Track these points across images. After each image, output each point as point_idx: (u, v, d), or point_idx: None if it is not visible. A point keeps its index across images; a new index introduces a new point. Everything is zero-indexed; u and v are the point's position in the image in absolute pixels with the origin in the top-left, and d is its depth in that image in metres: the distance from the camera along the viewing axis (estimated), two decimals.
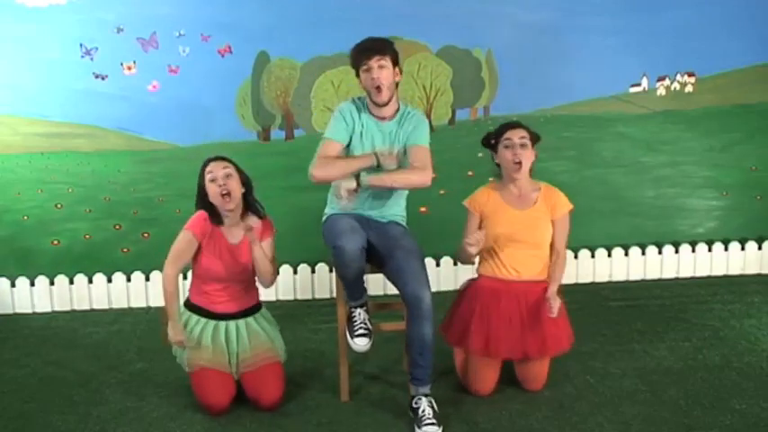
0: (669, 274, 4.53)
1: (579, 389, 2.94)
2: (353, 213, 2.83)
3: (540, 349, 2.79)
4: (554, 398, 2.86)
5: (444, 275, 4.35)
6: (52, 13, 4.07)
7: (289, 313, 3.90)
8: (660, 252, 4.53)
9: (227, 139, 4.18)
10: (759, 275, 4.53)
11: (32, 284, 4.22)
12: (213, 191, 2.69)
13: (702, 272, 4.54)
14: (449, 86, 4.38)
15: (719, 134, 4.58)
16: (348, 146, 2.78)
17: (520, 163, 2.78)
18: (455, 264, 4.39)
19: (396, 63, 2.75)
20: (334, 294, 3.14)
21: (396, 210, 2.92)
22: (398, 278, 2.66)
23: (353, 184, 2.65)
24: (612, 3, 4.32)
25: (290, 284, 4.33)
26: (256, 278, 2.85)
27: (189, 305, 2.84)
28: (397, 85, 2.79)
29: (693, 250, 4.54)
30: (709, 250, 4.55)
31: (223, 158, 2.76)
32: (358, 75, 2.76)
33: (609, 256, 4.51)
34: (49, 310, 4.23)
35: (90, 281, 4.26)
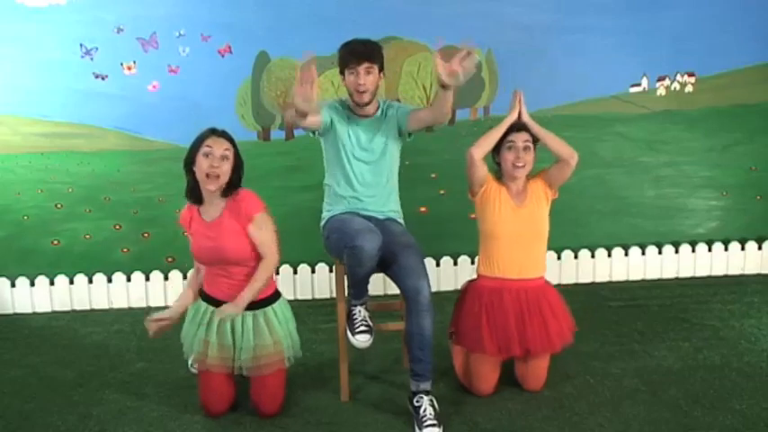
0: (669, 274, 4.53)
1: (579, 389, 2.94)
2: (355, 212, 2.84)
3: (544, 345, 2.80)
4: (554, 398, 2.86)
5: (444, 275, 4.35)
6: (52, 13, 4.07)
7: None
8: (660, 252, 4.53)
9: None
10: (759, 275, 4.53)
11: (32, 284, 4.23)
12: (202, 166, 2.57)
13: (702, 272, 4.54)
14: None
15: (719, 134, 4.58)
16: (326, 135, 2.83)
17: (523, 166, 2.80)
18: (455, 264, 4.39)
19: (382, 68, 2.82)
20: (335, 294, 3.14)
21: (392, 206, 2.95)
22: (398, 273, 2.67)
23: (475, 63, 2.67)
24: (612, 3, 4.32)
25: (290, 284, 4.33)
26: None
27: (202, 295, 2.76)
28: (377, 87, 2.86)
29: (693, 250, 4.54)
30: (709, 250, 4.55)
31: (226, 136, 2.64)
32: (342, 73, 2.81)
33: (609, 256, 4.51)
34: (49, 310, 4.23)
35: (90, 281, 4.26)
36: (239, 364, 2.68)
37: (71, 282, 4.25)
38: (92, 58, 4.14)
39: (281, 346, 2.71)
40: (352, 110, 2.87)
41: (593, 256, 4.51)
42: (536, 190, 2.86)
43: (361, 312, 2.82)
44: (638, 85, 4.46)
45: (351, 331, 2.81)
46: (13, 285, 4.22)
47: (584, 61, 4.37)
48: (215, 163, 2.57)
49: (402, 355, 3.11)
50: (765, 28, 4.42)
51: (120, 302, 4.28)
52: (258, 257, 2.67)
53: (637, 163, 4.56)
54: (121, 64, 4.16)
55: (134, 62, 4.17)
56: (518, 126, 2.83)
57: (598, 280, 4.51)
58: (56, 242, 4.27)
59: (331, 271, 4.27)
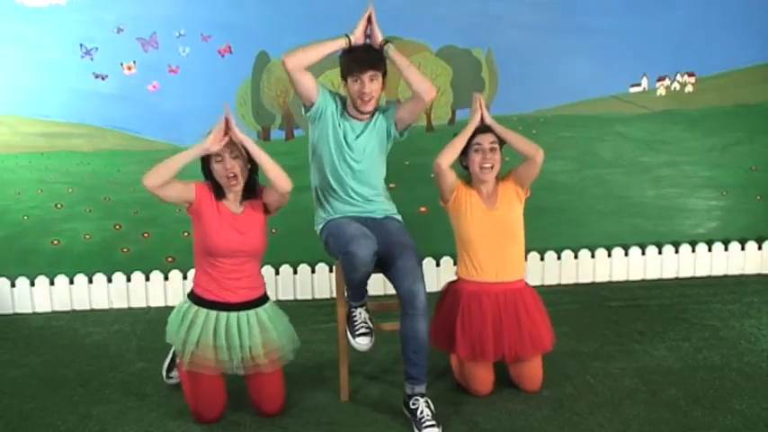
0: (669, 274, 4.53)
1: (579, 389, 2.94)
2: (353, 216, 2.83)
3: (516, 351, 2.80)
4: (554, 398, 2.86)
5: (444, 275, 4.33)
6: (52, 13, 4.06)
7: (288, 313, 3.86)
8: (660, 252, 4.53)
9: None
10: (759, 275, 4.53)
11: (32, 284, 4.23)
12: (220, 172, 2.65)
13: (702, 272, 4.54)
14: (449, 86, 4.38)
15: (720, 134, 4.58)
16: (317, 121, 2.81)
17: (491, 167, 2.81)
18: (455, 264, 4.38)
19: (385, 75, 2.78)
20: (335, 294, 3.14)
21: (386, 205, 2.93)
22: (395, 275, 2.67)
23: (380, 38, 2.75)
24: (612, 3, 4.32)
25: (289, 284, 4.33)
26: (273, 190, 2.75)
27: (194, 298, 2.72)
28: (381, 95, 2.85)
29: (693, 250, 4.54)
30: (709, 250, 4.55)
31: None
32: (344, 79, 2.77)
33: (609, 256, 4.51)
34: (49, 310, 4.23)
35: (90, 281, 4.26)
36: (240, 364, 2.67)
37: (71, 282, 4.25)
38: (92, 58, 4.14)
39: (279, 344, 2.74)
40: (347, 109, 2.84)
41: (593, 256, 4.51)
42: (507, 191, 2.87)
43: (361, 314, 2.82)
44: (638, 85, 4.46)
45: (351, 334, 2.81)
46: (13, 285, 4.22)
47: (584, 61, 4.37)
48: (228, 165, 2.63)
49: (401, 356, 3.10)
50: (765, 28, 4.42)
51: (120, 302, 4.28)
52: (264, 250, 2.78)
53: (637, 163, 4.56)
54: (121, 64, 4.16)
55: (134, 62, 4.17)
56: (482, 128, 2.85)
57: (598, 280, 4.51)
58: (56, 242, 4.27)
59: (331, 271, 4.27)
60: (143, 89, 4.19)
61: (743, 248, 4.56)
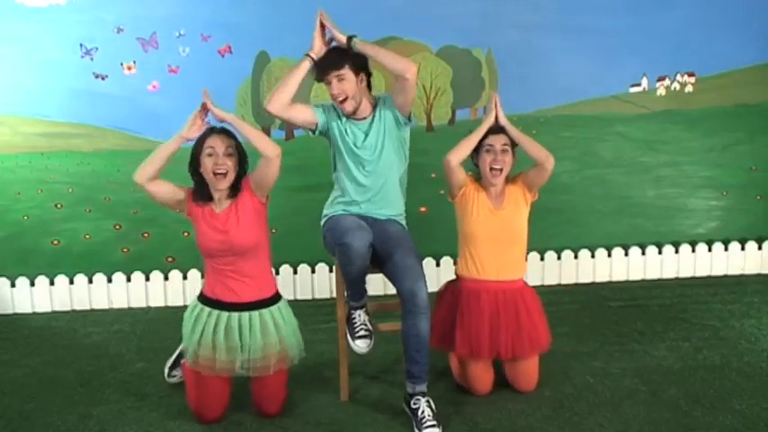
0: (669, 274, 4.53)
1: (579, 389, 2.94)
2: (355, 213, 2.84)
3: (513, 350, 2.80)
4: (554, 398, 2.86)
5: (444, 275, 4.33)
6: (52, 13, 4.06)
7: None
8: (660, 252, 4.53)
9: None
10: (759, 275, 4.53)
11: (32, 284, 4.23)
12: (208, 166, 2.61)
13: (702, 272, 4.54)
14: (449, 86, 4.38)
15: (720, 134, 4.58)
16: (327, 134, 2.84)
17: (500, 170, 2.81)
18: (455, 263, 4.38)
19: (360, 68, 2.75)
20: (335, 294, 3.14)
21: (396, 208, 2.93)
22: (395, 275, 2.67)
23: (344, 39, 2.71)
24: (612, 3, 4.32)
25: (289, 284, 4.33)
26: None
27: (201, 298, 2.74)
28: (369, 86, 2.83)
29: (693, 250, 4.54)
30: (710, 250, 4.55)
31: (227, 133, 2.68)
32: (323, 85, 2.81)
33: (609, 256, 4.51)
34: (48, 310, 4.23)
35: (90, 281, 4.26)
36: (246, 365, 2.67)
37: (71, 282, 4.25)
38: (92, 58, 4.14)
39: (286, 346, 2.72)
40: (347, 115, 2.84)
41: (593, 256, 4.51)
42: (514, 193, 2.87)
43: (360, 316, 2.83)
44: (638, 85, 4.45)
45: (350, 336, 2.81)
46: (13, 285, 4.22)
47: (584, 61, 4.37)
48: (219, 161, 2.61)
49: (402, 356, 3.10)
50: (765, 28, 4.42)
51: (120, 302, 4.27)
52: (266, 246, 2.75)
53: (637, 163, 4.56)
54: (121, 64, 4.16)
55: (134, 62, 4.17)
56: (496, 129, 2.85)
57: (598, 280, 4.51)
58: (56, 242, 4.27)
59: (331, 271, 4.27)
60: (143, 89, 4.19)
61: (743, 248, 4.56)
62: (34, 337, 3.81)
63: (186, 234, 4.21)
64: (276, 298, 2.77)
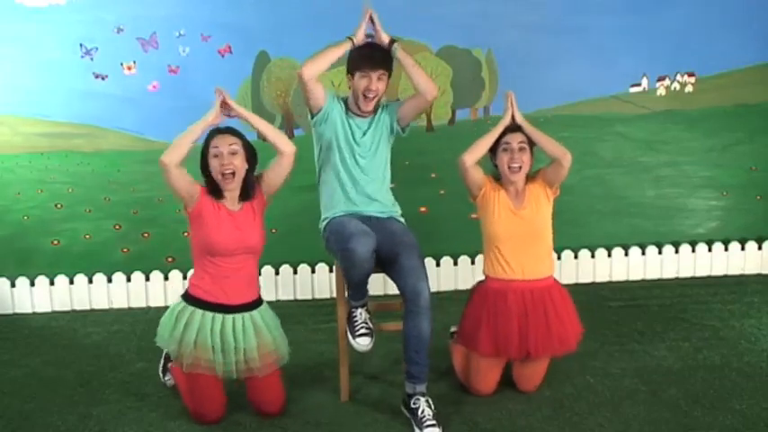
0: (669, 274, 4.53)
1: (579, 389, 2.94)
2: (356, 214, 2.84)
3: (543, 348, 2.78)
4: (554, 398, 2.86)
5: (444, 275, 4.35)
6: (52, 13, 4.07)
7: (289, 313, 3.88)
8: (660, 252, 4.53)
9: None
10: (759, 275, 4.53)
11: (32, 284, 4.23)
12: (215, 167, 2.63)
13: (702, 272, 4.54)
14: (449, 86, 4.38)
15: (720, 134, 4.58)
16: (323, 124, 2.85)
17: (519, 167, 2.80)
18: (455, 264, 4.39)
19: (390, 74, 2.84)
20: (335, 294, 3.14)
21: (391, 205, 2.94)
22: (398, 274, 2.67)
23: (387, 40, 2.80)
24: (613, 2, 4.32)
25: (290, 284, 4.33)
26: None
27: (190, 299, 2.70)
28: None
29: (693, 250, 4.54)
30: (710, 250, 4.55)
31: (231, 131, 2.69)
32: (351, 73, 2.81)
33: (609, 256, 4.51)
34: (48, 310, 4.23)
35: (90, 281, 4.26)
36: (242, 366, 2.67)
37: (71, 282, 4.25)
38: (92, 58, 4.14)
39: (277, 345, 2.75)
40: (349, 107, 2.87)
41: (593, 256, 4.51)
42: (535, 191, 2.86)
43: (361, 315, 2.82)
44: (638, 85, 4.46)
45: (351, 334, 2.81)
46: (13, 285, 4.22)
47: (584, 61, 4.37)
48: (225, 161, 2.62)
49: (402, 356, 3.10)
50: (765, 28, 4.42)
51: (120, 302, 4.28)
52: (262, 248, 2.77)
53: (637, 163, 4.56)
54: (121, 64, 4.16)
55: (134, 62, 4.17)
56: (512, 128, 2.84)
57: (598, 280, 4.51)
58: (56, 242, 4.27)
59: (331, 271, 4.27)
60: (143, 89, 4.19)
61: (743, 248, 4.56)
62: (34, 337, 3.81)
63: (186, 234, 4.20)
64: (260, 300, 2.81)
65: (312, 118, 2.87)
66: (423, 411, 2.59)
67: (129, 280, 4.28)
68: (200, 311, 2.68)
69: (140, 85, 4.19)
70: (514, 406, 2.80)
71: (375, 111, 2.89)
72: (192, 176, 2.66)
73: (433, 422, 2.56)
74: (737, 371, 3.07)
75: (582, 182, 4.50)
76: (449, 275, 4.34)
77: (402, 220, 2.96)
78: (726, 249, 4.56)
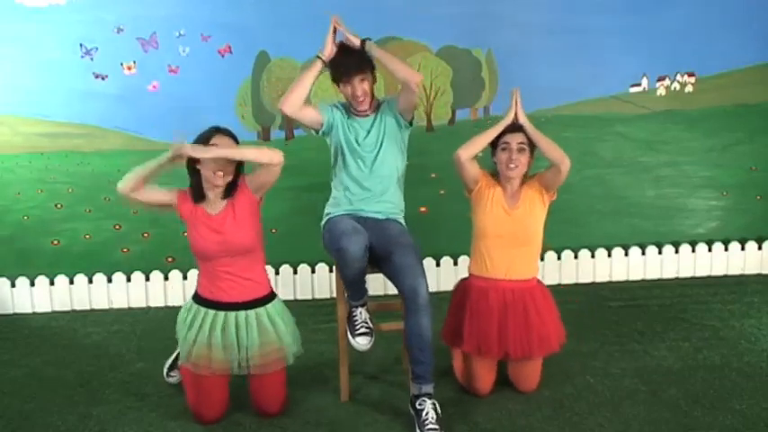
0: (669, 274, 4.53)
1: (579, 389, 2.94)
2: (353, 214, 2.84)
3: (522, 349, 2.79)
4: (554, 398, 2.86)
5: (444, 275, 4.34)
6: (52, 13, 4.07)
7: None
8: (660, 252, 4.53)
9: None
10: (759, 275, 4.53)
11: (32, 284, 4.23)
12: (209, 165, 2.60)
13: (702, 272, 4.54)
14: (449, 86, 4.38)
15: (720, 134, 4.58)
16: (330, 134, 2.90)
17: (516, 168, 2.80)
18: (455, 264, 4.39)
19: (374, 70, 2.86)
20: (335, 294, 3.14)
21: (395, 207, 2.94)
22: (396, 274, 2.68)
23: (358, 42, 2.79)
24: (612, 2, 4.32)
25: (289, 284, 4.33)
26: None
27: (197, 299, 2.74)
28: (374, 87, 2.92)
29: (693, 250, 4.54)
30: (710, 250, 4.55)
31: (230, 135, 2.68)
32: (336, 83, 2.87)
33: (609, 256, 4.51)
34: (48, 310, 4.23)
35: (90, 281, 4.26)
36: (244, 364, 2.67)
37: (71, 282, 4.25)
38: (92, 58, 4.14)
39: (283, 343, 2.73)
40: (349, 110, 2.91)
41: (593, 256, 4.51)
42: (531, 193, 2.86)
43: (361, 314, 2.83)
44: (638, 85, 4.46)
45: (351, 333, 2.81)
46: (13, 285, 4.22)
47: (584, 61, 4.37)
48: (220, 163, 2.60)
49: (402, 356, 3.10)
50: (765, 28, 4.42)
51: (120, 302, 4.27)
52: (260, 245, 2.75)
53: (637, 163, 4.56)
54: (121, 64, 4.16)
55: (134, 62, 4.17)
56: (514, 127, 2.83)
57: (598, 280, 4.51)
58: (56, 242, 4.27)
59: (331, 271, 4.27)
60: (143, 89, 4.19)
61: (743, 248, 4.56)
62: (34, 337, 3.81)
63: (186, 234, 4.20)
64: (271, 296, 2.78)
65: (318, 134, 2.93)
66: (427, 414, 2.58)
67: (129, 280, 4.28)
68: (204, 309, 2.70)
69: (140, 85, 4.19)
70: (514, 406, 2.80)
71: (377, 108, 2.92)
72: (157, 186, 2.69)
73: (436, 426, 2.55)
74: (737, 371, 3.07)
75: (582, 182, 4.49)
76: (449, 275, 4.33)
77: (402, 222, 2.96)
78: (726, 249, 4.56)
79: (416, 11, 4.20)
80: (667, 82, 4.47)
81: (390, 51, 2.96)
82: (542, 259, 4.46)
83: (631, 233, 4.56)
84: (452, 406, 2.80)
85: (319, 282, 4.35)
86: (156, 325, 3.91)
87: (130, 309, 4.26)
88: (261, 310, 2.72)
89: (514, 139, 2.80)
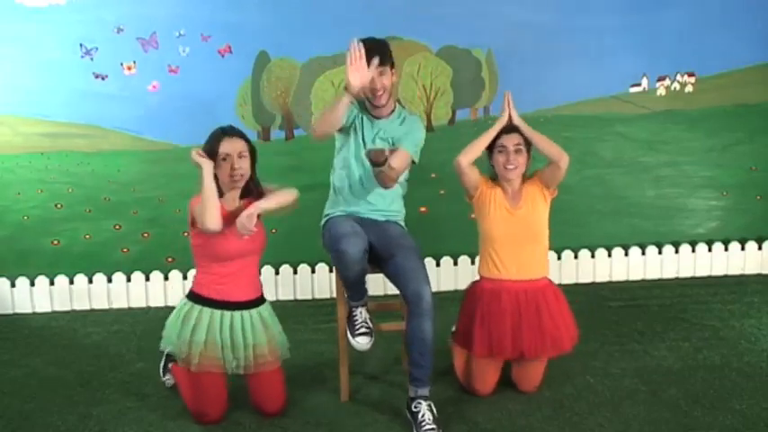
0: (669, 274, 4.53)
1: (579, 389, 2.94)
2: (353, 215, 2.84)
3: (537, 349, 2.78)
4: (554, 398, 2.86)
5: (444, 275, 4.35)
6: (52, 13, 4.07)
7: (289, 313, 3.89)
8: (660, 252, 4.53)
9: None
10: (759, 275, 4.53)
11: (32, 284, 4.23)
12: (225, 170, 2.62)
13: (702, 272, 4.54)
14: (449, 86, 4.38)
15: (720, 134, 4.58)
16: (349, 128, 2.83)
17: (514, 168, 2.80)
18: (455, 264, 4.39)
19: (393, 65, 2.81)
20: (335, 294, 3.14)
21: (394, 208, 2.93)
22: (399, 277, 2.67)
23: (384, 155, 2.61)
24: (613, 3, 4.32)
25: (289, 284, 4.33)
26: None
27: (196, 298, 2.71)
28: (393, 85, 2.85)
29: (693, 250, 4.54)
30: (710, 250, 4.55)
31: (238, 134, 2.69)
32: None
33: (609, 256, 4.51)
34: (48, 310, 4.23)
35: (90, 281, 4.26)
36: (244, 362, 2.68)
37: (71, 282, 4.25)
38: (92, 58, 4.14)
39: (277, 343, 2.77)
40: (366, 109, 2.87)
41: (593, 256, 4.51)
42: (532, 191, 2.86)
43: (362, 314, 2.82)
44: (638, 85, 4.46)
45: (351, 333, 2.81)
46: (13, 285, 4.22)
47: (584, 61, 4.37)
48: (235, 165, 2.62)
49: (402, 356, 3.10)
50: (765, 28, 4.42)
51: (120, 302, 4.28)
52: (262, 249, 2.77)
53: (637, 163, 4.56)
54: (121, 64, 4.16)
55: (134, 62, 4.17)
56: (509, 128, 2.83)
57: (598, 280, 4.51)
58: (56, 242, 4.27)
59: (331, 271, 4.27)
60: (143, 89, 4.19)
61: (743, 248, 4.56)
62: (34, 337, 3.81)
63: (186, 234, 4.20)
64: (263, 298, 2.82)
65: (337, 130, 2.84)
66: (423, 415, 2.58)
67: (129, 280, 4.28)
68: (207, 310, 2.68)
69: (140, 85, 4.19)
70: (514, 406, 2.80)
71: (395, 114, 2.87)
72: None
73: (432, 427, 2.55)
74: (737, 371, 3.07)
75: (582, 182, 4.50)
76: (449, 275, 4.34)
77: (402, 224, 2.96)
78: (726, 249, 4.56)
79: (416, 11, 4.20)
80: (667, 82, 4.47)
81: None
82: None
83: (631, 233, 4.56)
84: (452, 406, 2.80)
85: (319, 282, 4.35)
86: (156, 325, 3.85)
87: (130, 309, 4.26)
88: (261, 308, 2.77)
89: (511, 141, 2.81)
